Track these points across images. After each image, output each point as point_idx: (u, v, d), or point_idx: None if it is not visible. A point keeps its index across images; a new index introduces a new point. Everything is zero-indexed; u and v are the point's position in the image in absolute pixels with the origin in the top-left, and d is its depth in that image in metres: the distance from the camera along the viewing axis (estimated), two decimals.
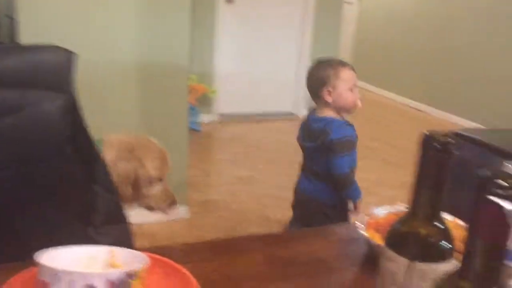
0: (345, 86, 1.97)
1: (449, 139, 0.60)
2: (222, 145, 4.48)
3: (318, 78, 2.01)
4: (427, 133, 0.62)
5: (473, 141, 1.85)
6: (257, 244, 1.01)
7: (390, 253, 0.65)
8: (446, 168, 0.61)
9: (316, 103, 2.07)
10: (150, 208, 1.64)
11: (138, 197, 1.59)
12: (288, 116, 5.26)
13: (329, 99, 1.99)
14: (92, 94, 2.60)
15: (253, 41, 4.98)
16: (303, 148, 2.13)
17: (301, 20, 5.05)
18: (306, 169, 2.13)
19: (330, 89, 1.98)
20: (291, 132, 5.00)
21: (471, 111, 4.94)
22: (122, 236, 1.15)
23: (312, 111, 2.11)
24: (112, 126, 2.69)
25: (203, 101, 4.75)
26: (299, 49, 5.13)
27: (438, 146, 0.60)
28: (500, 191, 0.48)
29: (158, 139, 1.62)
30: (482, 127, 4.30)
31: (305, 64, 5.13)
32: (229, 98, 4.98)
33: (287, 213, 3.18)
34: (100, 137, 1.53)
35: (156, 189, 1.60)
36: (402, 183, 3.57)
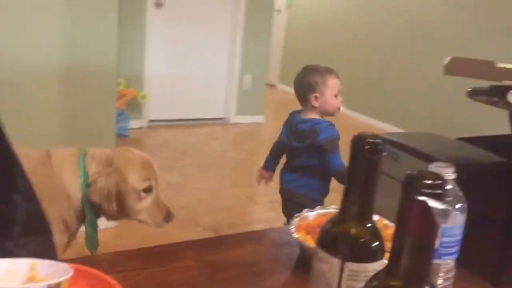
0: (331, 93, 2.14)
1: (378, 140, 0.62)
2: (151, 151, 4.38)
3: (307, 84, 2.16)
4: (357, 135, 0.63)
5: (394, 144, 1.93)
6: (188, 250, 0.99)
7: (322, 254, 0.65)
8: (376, 169, 0.62)
9: (302, 105, 2.23)
10: (144, 223, 1.51)
11: (126, 212, 1.46)
12: (219, 121, 5.25)
13: (315, 104, 2.15)
14: (13, 99, 2.45)
15: (184, 46, 4.93)
16: (289, 148, 2.23)
17: (231, 26, 5.06)
18: (292, 167, 2.21)
19: (318, 95, 2.14)
20: (222, 138, 5.02)
21: (391, 115, 5.17)
22: (43, 247, 1.08)
23: (296, 113, 2.25)
24: (34, 133, 2.56)
25: (132, 106, 4.63)
26: (230, 54, 5.14)
27: (367, 147, 0.61)
28: (427, 190, 0.50)
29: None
30: (402, 130, 4.51)
31: (236, 70, 5.15)
32: (159, 103, 4.89)
33: (218, 218, 3.15)
34: (82, 151, 1.45)
35: (145, 202, 1.48)
36: (332, 186, 3.66)
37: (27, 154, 1.28)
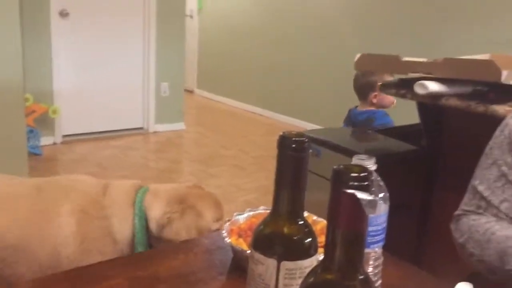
0: None
1: (303, 138, 0.63)
2: (67, 168, 4.18)
3: (367, 84, 2.59)
4: (283, 134, 0.64)
5: (315, 140, 1.98)
6: (118, 268, 0.95)
7: (257, 256, 0.65)
8: (303, 166, 0.63)
9: (361, 101, 2.67)
10: None
11: None
12: (138, 131, 5.12)
13: (374, 100, 2.60)
14: None
15: (94, 57, 4.75)
16: None
17: (143, 34, 4.96)
18: None
19: (377, 93, 2.56)
20: (142, 148, 4.90)
21: (308, 113, 5.32)
22: None
23: (353, 108, 2.69)
24: None
25: (43, 122, 4.39)
26: (144, 62, 5.03)
27: (293, 145, 0.62)
28: (354, 183, 0.51)
29: None
30: (320, 127, 4.65)
31: (152, 78, 5.05)
32: (72, 117, 4.68)
33: None
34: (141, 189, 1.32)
35: None
36: (257, 188, 3.71)
37: (84, 191, 1.28)
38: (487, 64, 1.57)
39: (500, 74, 1.53)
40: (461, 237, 1.02)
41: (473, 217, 1.02)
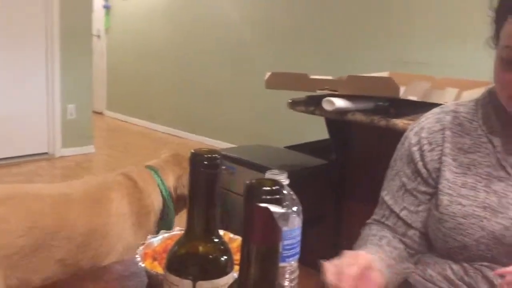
0: None
1: (215, 155, 0.62)
2: None
3: None
4: (194, 151, 0.63)
5: (229, 158, 1.99)
6: None
7: (172, 278, 0.63)
8: (215, 182, 0.62)
9: None
10: None
11: None
12: (43, 156, 4.83)
13: None
14: None
15: None
16: None
17: (46, 54, 4.72)
18: None
19: None
20: (47, 174, 4.63)
21: (222, 132, 5.35)
22: None
23: None
24: None
25: None
26: (48, 84, 4.78)
27: (205, 162, 0.61)
28: (267, 197, 0.51)
29: None
30: (234, 145, 4.68)
31: (57, 100, 4.82)
32: None
33: None
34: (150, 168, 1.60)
35: None
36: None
37: (119, 182, 1.51)
38: (387, 81, 1.68)
39: (398, 90, 1.64)
40: (358, 247, 1.08)
41: (374, 227, 1.07)
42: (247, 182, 0.52)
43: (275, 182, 0.53)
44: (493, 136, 0.97)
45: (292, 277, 0.86)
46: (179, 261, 0.63)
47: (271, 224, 0.50)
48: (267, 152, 2.30)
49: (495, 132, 0.97)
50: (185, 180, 1.59)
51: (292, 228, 0.84)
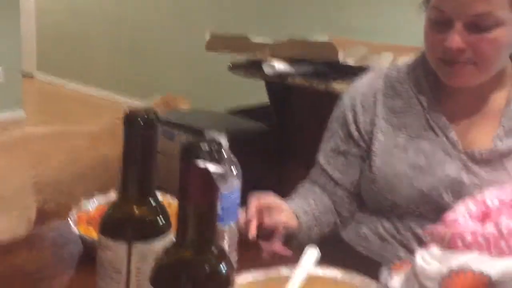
0: None
1: (151, 115, 0.60)
2: None
3: None
4: (129, 111, 0.60)
5: (168, 124, 1.95)
6: None
7: (107, 242, 0.61)
8: (152, 143, 0.60)
9: None
10: None
11: None
12: None
13: None
14: None
15: None
16: None
17: None
18: None
19: None
20: None
21: (158, 95, 5.23)
22: None
23: None
24: None
25: None
26: None
27: (142, 121, 0.59)
28: (205, 155, 0.50)
29: None
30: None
31: None
32: None
33: None
34: None
35: None
36: None
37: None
38: (326, 45, 1.69)
39: (337, 54, 1.65)
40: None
41: (306, 185, 1.10)
42: (184, 142, 0.51)
43: (214, 141, 0.52)
44: (423, 98, 1.00)
45: (232, 241, 0.86)
46: (113, 223, 0.61)
47: (209, 183, 0.49)
48: (207, 117, 2.27)
49: (425, 94, 1.00)
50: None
51: (231, 191, 0.84)
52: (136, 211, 0.61)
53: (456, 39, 0.89)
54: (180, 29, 4.98)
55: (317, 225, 1.03)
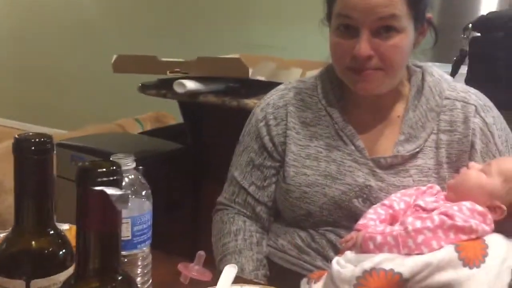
0: None
1: (44, 139, 0.56)
2: None
3: None
4: (18, 136, 0.56)
5: (77, 148, 1.86)
6: None
7: (2, 280, 0.56)
8: (47, 170, 0.56)
9: None
10: None
11: None
12: None
13: None
14: None
15: None
16: None
17: None
18: None
19: None
20: None
21: (71, 121, 5.00)
22: None
23: None
24: None
25: None
26: None
27: (33, 147, 0.55)
28: (102, 179, 0.47)
29: None
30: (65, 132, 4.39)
31: None
32: None
33: None
34: None
35: None
36: None
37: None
38: (236, 62, 1.70)
39: (247, 70, 1.67)
40: (213, 236, 1.11)
41: (225, 217, 1.09)
42: (80, 164, 0.48)
43: (111, 163, 0.49)
44: (330, 109, 1.03)
45: (145, 263, 0.82)
46: (9, 259, 0.56)
47: (109, 207, 0.47)
48: (120, 139, 2.20)
49: (333, 105, 1.04)
50: None
51: (142, 213, 0.81)
52: (34, 244, 0.57)
53: (364, 46, 0.92)
54: (88, 52, 4.83)
55: (259, 258, 1.04)
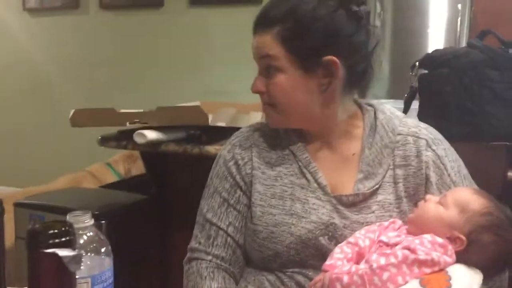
0: None
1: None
2: None
3: None
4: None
5: (37, 207, 1.81)
6: None
7: None
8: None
9: None
10: None
11: None
12: None
13: None
14: None
15: None
16: None
17: None
18: None
19: None
20: None
21: (28, 179, 4.86)
22: None
23: None
24: None
25: None
26: None
27: None
28: (53, 241, 0.46)
29: None
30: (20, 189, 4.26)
31: None
32: None
33: None
34: None
35: None
36: None
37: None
38: (195, 110, 1.71)
39: (207, 117, 1.68)
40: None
41: (205, 265, 1.05)
42: (29, 227, 0.46)
43: (63, 224, 0.48)
44: (294, 147, 1.05)
45: None
46: None
47: (61, 269, 0.45)
48: (81, 194, 2.15)
49: (294, 144, 1.05)
50: None
51: (103, 271, 0.78)
52: None
53: (257, 83, 1.02)
54: (47, 109, 4.77)
55: None
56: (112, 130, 1.93)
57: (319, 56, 0.97)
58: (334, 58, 0.97)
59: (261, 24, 1.00)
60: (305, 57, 0.97)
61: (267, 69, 1.00)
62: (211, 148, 1.68)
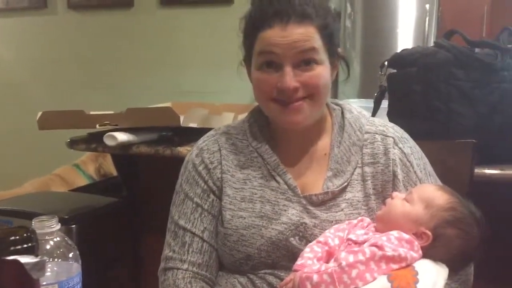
0: None
1: None
2: None
3: None
4: None
5: (4, 212, 1.77)
6: None
7: None
8: None
9: None
10: None
11: None
12: None
13: None
14: None
15: None
16: None
17: None
18: None
19: None
20: None
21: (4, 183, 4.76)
22: None
23: None
24: None
25: None
26: None
27: None
28: (16, 247, 0.45)
29: None
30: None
31: None
32: None
33: None
34: None
35: None
36: None
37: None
38: (166, 111, 1.70)
39: (178, 118, 1.67)
40: None
41: (182, 275, 1.03)
42: None
43: (26, 230, 0.47)
44: (261, 150, 1.05)
45: None
46: None
47: (24, 277, 0.44)
48: (50, 199, 2.10)
49: (263, 146, 1.05)
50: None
51: (70, 277, 0.77)
52: None
53: (289, 78, 0.95)
54: (13, 112, 4.66)
55: None
56: (82, 132, 1.91)
57: (337, 49, 1.04)
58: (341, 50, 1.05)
59: (297, 15, 0.95)
60: (334, 49, 1.02)
61: (302, 63, 0.96)
62: (183, 150, 1.67)
